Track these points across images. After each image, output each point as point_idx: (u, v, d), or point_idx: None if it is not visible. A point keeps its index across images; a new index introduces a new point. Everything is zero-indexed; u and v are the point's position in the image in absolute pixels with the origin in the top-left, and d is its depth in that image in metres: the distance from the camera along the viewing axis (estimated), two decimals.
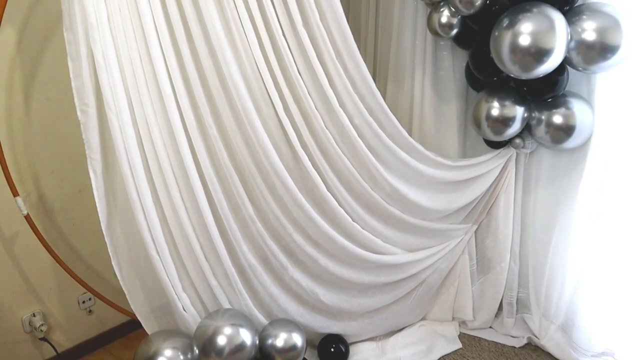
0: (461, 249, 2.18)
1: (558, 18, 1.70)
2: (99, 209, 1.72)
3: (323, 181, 1.79)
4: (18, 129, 2.00)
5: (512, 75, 1.82)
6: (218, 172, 1.73)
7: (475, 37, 1.93)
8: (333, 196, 1.83)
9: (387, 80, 2.18)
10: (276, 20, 1.62)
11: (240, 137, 1.69)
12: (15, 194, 1.87)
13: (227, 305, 1.84)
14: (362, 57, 1.75)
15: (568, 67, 1.86)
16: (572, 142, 1.91)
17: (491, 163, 2.05)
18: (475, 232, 2.20)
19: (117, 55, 1.58)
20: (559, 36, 1.69)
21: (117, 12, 1.57)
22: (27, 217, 1.91)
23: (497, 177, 2.07)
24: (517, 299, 2.23)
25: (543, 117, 1.92)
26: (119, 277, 1.79)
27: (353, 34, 1.73)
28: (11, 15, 1.85)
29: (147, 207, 1.66)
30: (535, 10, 1.72)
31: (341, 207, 1.86)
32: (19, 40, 1.94)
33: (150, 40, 1.58)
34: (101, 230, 1.75)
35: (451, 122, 2.13)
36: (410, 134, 2.08)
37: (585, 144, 1.93)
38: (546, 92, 1.90)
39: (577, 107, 1.88)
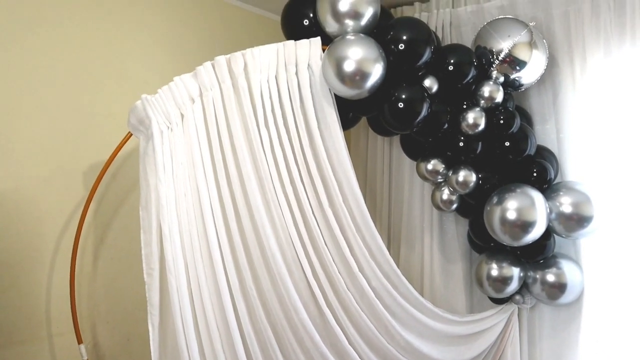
0: None
1: (537, 196, 2.04)
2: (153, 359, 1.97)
3: (345, 336, 2.01)
4: (84, 283, 2.32)
5: (504, 244, 2.13)
6: (255, 326, 1.96)
7: (472, 209, 2.26)
8: (354, 349, 2.03)
9: (400, 244, 2.49)
10: (307, 201, 1.97)
11: (275, 297, 1.95)
12: (79, 341, 2.12)
13: None
14: (378, 224, 2.08)
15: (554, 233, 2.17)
16: (566, 298, 2.14)
17: (495, 318, 2.26)
18: None
19: (179, 230, 1.91)
20: (539, 210, 2.02)
21: (183, 197, 1.94)
22: None
23: (502, 330, 2.27)
24: None
25: (538, 276, 2.17)
26: None
27: (370, 205, 2.07)
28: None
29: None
30: (518, 190, 2.07)
31: (361, 359, 2.05)
32: (96, 210, 2.35)
33: (206, 218, 1.92)
34: None
35: (458, 281, 2.38)
36: (422, 291, 2.35)
37: (579, 300, 2.16)
38: (537, 255, 2.18)
39: (567, 267, 2.14)
